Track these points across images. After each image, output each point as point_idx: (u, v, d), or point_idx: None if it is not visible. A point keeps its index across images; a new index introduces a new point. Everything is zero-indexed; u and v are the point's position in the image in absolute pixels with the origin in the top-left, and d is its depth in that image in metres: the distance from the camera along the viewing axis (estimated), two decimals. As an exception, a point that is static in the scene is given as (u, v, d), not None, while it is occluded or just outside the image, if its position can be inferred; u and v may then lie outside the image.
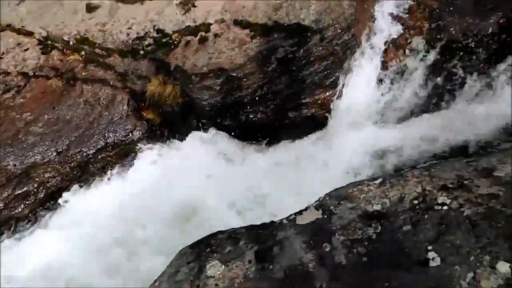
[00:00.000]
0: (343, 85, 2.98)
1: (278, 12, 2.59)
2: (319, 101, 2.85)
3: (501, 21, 2.96)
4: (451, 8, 3.04)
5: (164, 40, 2.74)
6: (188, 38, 2.70)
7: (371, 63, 3.11)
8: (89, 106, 2.74)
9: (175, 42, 2.72)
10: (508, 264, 1.15)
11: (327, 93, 2.88)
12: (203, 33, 2.68)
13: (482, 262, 1.19)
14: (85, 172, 2.71)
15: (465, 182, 1.48)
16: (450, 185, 1.48)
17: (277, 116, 2.87)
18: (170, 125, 2.87)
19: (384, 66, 3.17)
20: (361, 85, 3.09)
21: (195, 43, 2.68)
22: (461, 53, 3.03)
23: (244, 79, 2.66)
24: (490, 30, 2.86)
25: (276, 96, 2.77)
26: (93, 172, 2.72)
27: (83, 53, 2.82)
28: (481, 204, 1.35)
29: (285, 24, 2.58)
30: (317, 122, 3.00)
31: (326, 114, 2.99)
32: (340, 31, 2.62)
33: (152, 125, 2.85)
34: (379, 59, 3.15)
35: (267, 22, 2.59)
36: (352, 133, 3.09)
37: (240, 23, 2.64)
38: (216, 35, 2.65)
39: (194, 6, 2.75)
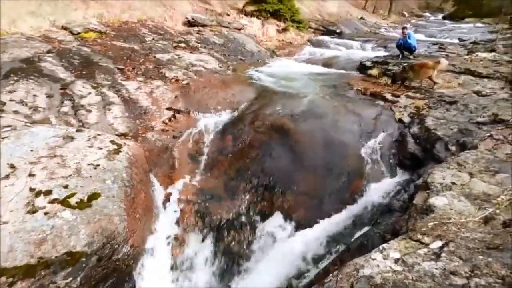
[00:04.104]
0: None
1: (43, 247, 2.39)
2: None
3: (248, 197, 3.80)
4: (210, 197, 3.72)
5: None
6: None
7: (160, 263, 3.22)
8: None
9: None
10: None
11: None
12: None
13: None
14: None
15: None
16: None
17: None
18: None
19: (173, 260, 3.34)
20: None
21: None
22: (231, 229, 3.59)
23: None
24: (243, 208, 3.60)
25: None
26: None
27: None
28: None
29: (54, 257, 2.38)
30: None
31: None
32: (117, 246, 2.64)
33: None
34: (167, 255, 3.32)
35: (29, 261, 2.32)
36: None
37: (-6, 273, 2.24)
38: (-44, 297, 2.12)
39: None
